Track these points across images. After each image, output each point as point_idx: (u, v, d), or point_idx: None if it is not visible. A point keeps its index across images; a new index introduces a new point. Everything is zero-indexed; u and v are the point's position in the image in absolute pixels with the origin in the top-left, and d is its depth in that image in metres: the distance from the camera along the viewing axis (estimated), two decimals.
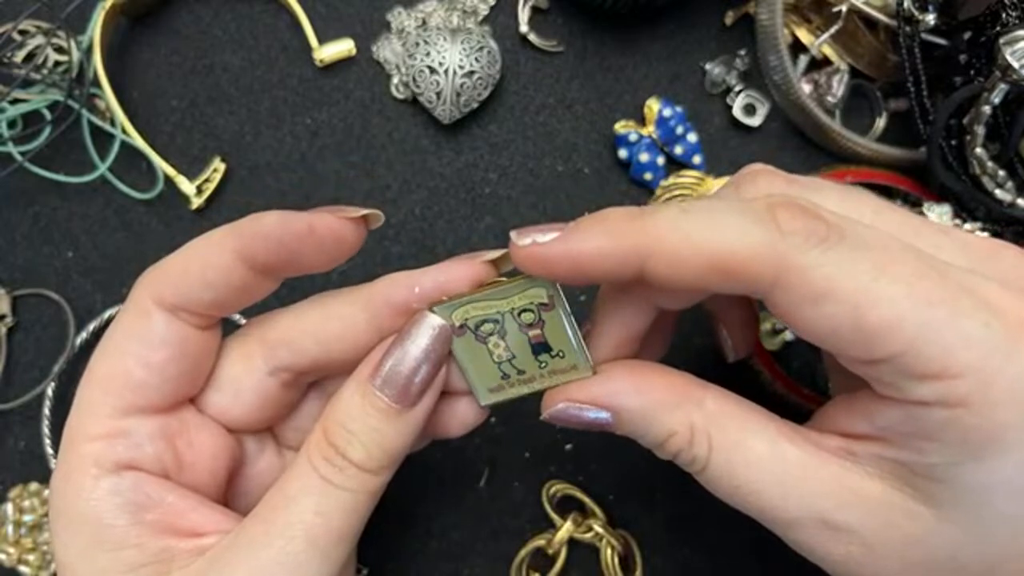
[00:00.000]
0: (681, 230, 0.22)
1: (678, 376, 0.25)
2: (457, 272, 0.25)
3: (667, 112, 0.39)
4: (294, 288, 0.31)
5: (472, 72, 0.38)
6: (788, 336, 0.36)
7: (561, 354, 0.25)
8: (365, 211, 0.25)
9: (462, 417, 0.27)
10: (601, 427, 0.25)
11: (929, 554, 0.22)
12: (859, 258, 0.21)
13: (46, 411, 0.36)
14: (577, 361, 0.25)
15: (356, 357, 0.26)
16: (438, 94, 0.38)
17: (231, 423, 0.27)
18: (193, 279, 0.25)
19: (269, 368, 0.26)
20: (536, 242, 0.23)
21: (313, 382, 0.29)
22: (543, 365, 0.25)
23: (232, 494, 0.28)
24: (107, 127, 0.38)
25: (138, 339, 0.25)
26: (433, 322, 0.25)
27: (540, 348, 0.25)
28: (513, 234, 0.23)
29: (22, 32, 0.39)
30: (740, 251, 0.21)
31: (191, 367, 0.26)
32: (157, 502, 0.24)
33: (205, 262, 0.25)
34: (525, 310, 0.24)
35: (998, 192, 0.35)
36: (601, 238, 0.22)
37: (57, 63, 0.39)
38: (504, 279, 0.25)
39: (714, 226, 0.21)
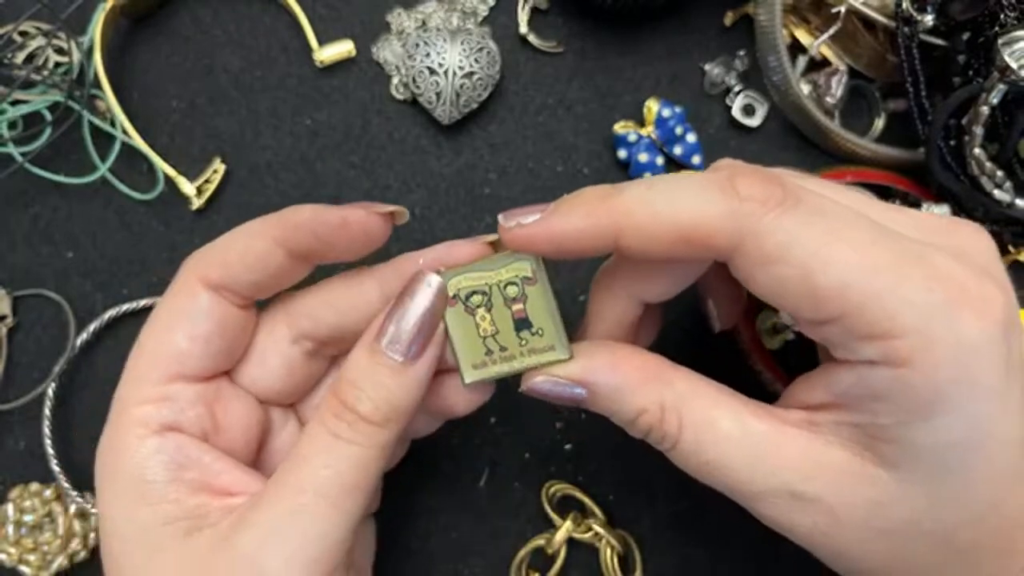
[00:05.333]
0: (648, 205, 0.24)
1: (651, 357, 0.26)
2: (459, 251, 0.28)
3: (666, 112, 0.39)
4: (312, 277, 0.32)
5: (472, 73, 0.38)
6: (788, 336, 0.36)
7: (540, 332, 0.27)
8: (393, 207, 0.28)
9: (466, 394, 0.29)
10: (576, 402, 0.26)
11: (891, 520, 0.23)
12: (812, 223, 0.22)
13: (46, 411, 0.36)
14: (555, 341, 0.27)
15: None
16: (438, 95, 0.38)
17: (260, 393, 0.30)
18: (235, 262, 0.27)
19: (292, 337, 0.29)
20: (520, 224, 0.25)
21: (333, 359, 0.31)
22: (523, 343, 0.27)
23: (259, 465, 0.30)
24: (107, 128, 0.38)
25: (184, 314, 0.27)
26: (429, 280, 0.26)
27: (522, 324, 0.27)
28: (500, 217, 0.26)
29: (23, 33, 0.39)
30: (702, 220, 0.23)
31: (230, 342, 0.28)
32: (195, 462, 0.27)
33: (247, 247, 0.27)
34: (510, 283, 0.27)
35: (996, 192, 0.35)
36: (577, 218, 0.24)
37: (57, 64, 0.39)
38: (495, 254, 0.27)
39: (678, 198, 0.23)
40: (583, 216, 0.24)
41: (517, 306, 0.27)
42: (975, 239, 0.24)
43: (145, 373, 0.27)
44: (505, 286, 0.27)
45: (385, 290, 0.28)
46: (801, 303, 0.22)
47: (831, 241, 0.22)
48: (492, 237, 0.28)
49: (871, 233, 0.22)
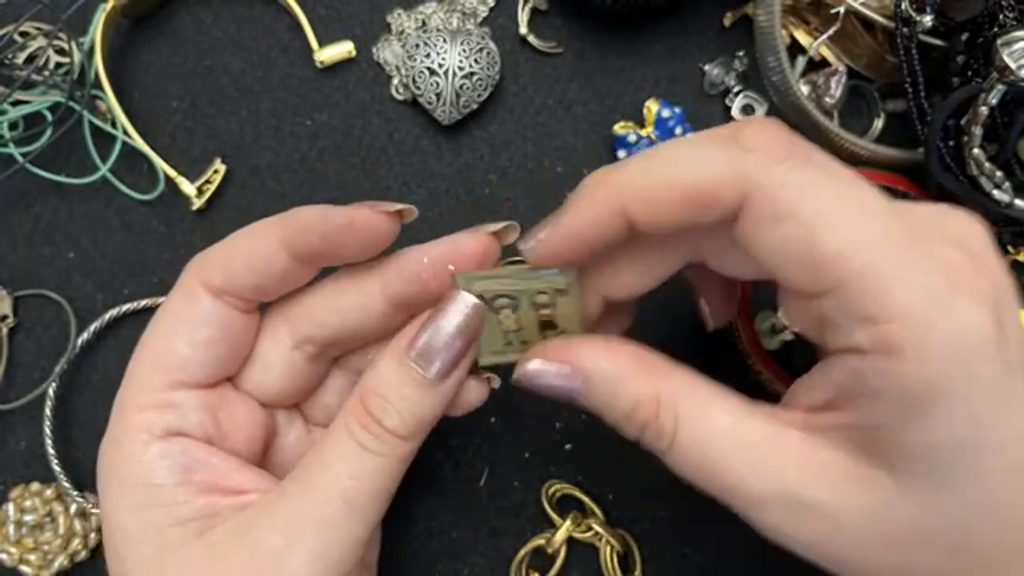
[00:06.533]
0: (648, 172, 0.23)
1: (648, 352, 0.26)
2: (463, 244, 0.27)
3: (666, 113, 0.39)
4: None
5: (472, 73, 0.38)
6: (788, 336, 0.36)
7: (563, 333, 0.27)
8: (400, 206, 0.27)
9: (464, 400, 0.28)
10: (570, 395, 0.26)
11: (894, 525, 0.22)
12: (824, 183, 0.21)
13: (47, 411, 0.36)
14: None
15: (372, 327, 0.28)
16: (438, 95, 0.38)
17: (263, 397, 0.29)
18: (239, 265, 0.27)
19: (294, 342, 0.29)
20: (538, 240, 0.25)
21: (336, 359, 0.31)
22: (545, 339, 0.27)
23: (265, 465, 0.30)
24: (108, 128, 0.38)
25: (185, 319, 0.27)
26: (467, 300, 0.26)
27: (546, 325, 0.27)
28: (519, 244, 0.26)
29: (23, 34, 0.39)
30: (706, 176, 0.22)
31: (232, 347, 0.28)
32: (203, 463, 0.26)
33: (251, 250, 0.27)
34: (542, 292, 0.26)
35: (995, 193, 0.35)
36: (584, 209, 0.24)
37: (58, 64, 0.39)
38: (526, 264, 0.26)
39: (678, 159, 0.23)
40: (589, 205, 0.24)
41: (545, 311, 0.27)
42: (968, 226, 0.24)
43: (147, 378, 0.27)
44: (536, 294, 0.26)
45: (388, 291, 0.27)
46: (800, 269, 0.21)
47: (840, 204, 0.21)
48: (495, 226, 0.27)
49: (882, 204, 0.21)
